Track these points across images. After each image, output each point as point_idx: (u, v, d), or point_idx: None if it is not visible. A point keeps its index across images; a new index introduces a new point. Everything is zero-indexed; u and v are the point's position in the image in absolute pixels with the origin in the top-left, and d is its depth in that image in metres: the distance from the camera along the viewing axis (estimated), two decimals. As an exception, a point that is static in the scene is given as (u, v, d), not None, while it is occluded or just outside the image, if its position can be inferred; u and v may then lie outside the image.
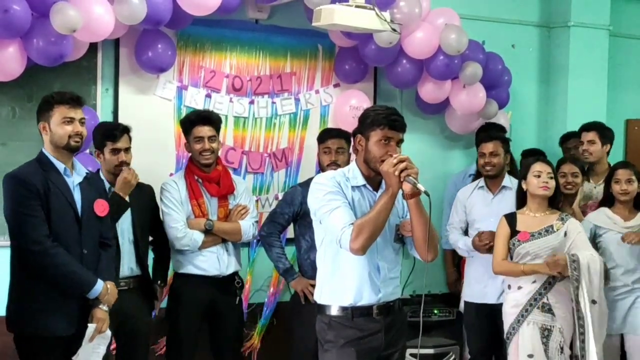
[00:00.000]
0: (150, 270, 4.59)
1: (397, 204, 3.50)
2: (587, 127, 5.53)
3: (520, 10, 6.40)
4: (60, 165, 3.79)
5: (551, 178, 4.63)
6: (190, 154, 4.71)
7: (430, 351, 5.46)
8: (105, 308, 3.81)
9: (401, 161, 3.28)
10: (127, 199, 4.35)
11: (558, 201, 4.73)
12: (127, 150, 4.44)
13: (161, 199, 4.61)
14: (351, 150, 4.75)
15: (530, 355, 4.53)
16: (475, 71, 5.55)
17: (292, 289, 4.91)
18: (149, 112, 5.15)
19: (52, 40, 4.37)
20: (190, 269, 4.61)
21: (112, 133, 4.38)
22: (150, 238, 4.66)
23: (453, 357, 5.57)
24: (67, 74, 4.84)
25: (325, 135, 4.90)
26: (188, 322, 4.62)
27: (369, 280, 3.49)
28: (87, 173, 3.92)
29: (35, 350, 3.74)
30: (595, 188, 5.42)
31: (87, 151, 4.77)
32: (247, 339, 5.37)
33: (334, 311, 3.53)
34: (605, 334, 4.58)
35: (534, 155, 5.41)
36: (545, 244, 4.58)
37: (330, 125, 5.53)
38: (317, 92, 5.66)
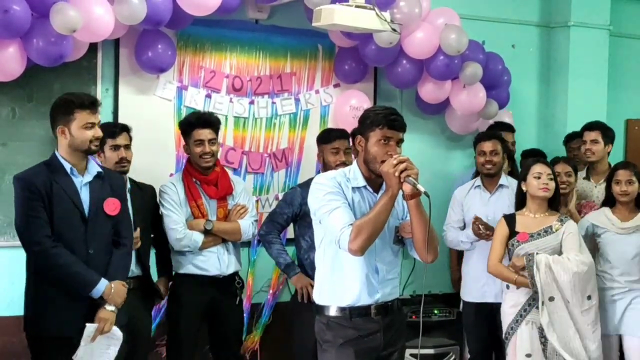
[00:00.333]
0: (152, 270, 4.59)
1: (397, 206, 3.50)
2: (590, 126, 5.52)
3: (521, 10, 6.40)
4: (67, 165, 3.80)
5: (551, 179, 4.63)
6: (188, 156, 4.70)
7: (431, 351, 5.46)
8: (110, 308, 3.80)
9: (401, 162, 3.28)
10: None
11: (558, 202, 4.74)
12: (127, 147, 4.44)
13: (160, 201, 4.61)
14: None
15: (529, 355, 4.54)
16: (476, 71, 5.55)
17: (292, 287, 4.91)
18: (149, 113, 5.15)
19: (52, 40, 4.37)
20: (190, 269, 4.61)
21: (111, 130, 4.39)
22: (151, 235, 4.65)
23: (453, 357, 5.56)
24: (67, 74, 4.84)
25: (332, 135, 4.89)
26: (188, 322, 4.62)
27: (366, 281, 3.49)
28: (100, 172, 3.91)
29: (47, 351, 3.77)
30: (595, 187, 5.42)
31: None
32: (246, 339, 5.36)
33: (333, 311, 3.53)
34: (594, 330, 4.57)
35: (534, 155, 5.42)
36: (544, 244, 4.59)
37: (330, 125, 5.53)
38: (317, 92, 5.66)
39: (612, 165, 5.26)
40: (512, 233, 4.65)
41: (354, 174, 3.52)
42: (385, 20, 4.48)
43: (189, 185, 4.61)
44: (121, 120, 4.92)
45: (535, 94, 6.49)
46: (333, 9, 4.39)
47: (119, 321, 3.87)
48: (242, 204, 4.72)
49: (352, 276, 3.49)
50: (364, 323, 3.51)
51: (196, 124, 4.60)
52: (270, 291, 5.52)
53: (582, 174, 5.59)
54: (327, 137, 4.90)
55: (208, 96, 5.32)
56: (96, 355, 3.81)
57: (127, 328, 4.27)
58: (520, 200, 4.74)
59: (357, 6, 4.41)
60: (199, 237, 4.55)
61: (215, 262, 4.62)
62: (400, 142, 3.45)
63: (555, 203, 4.72)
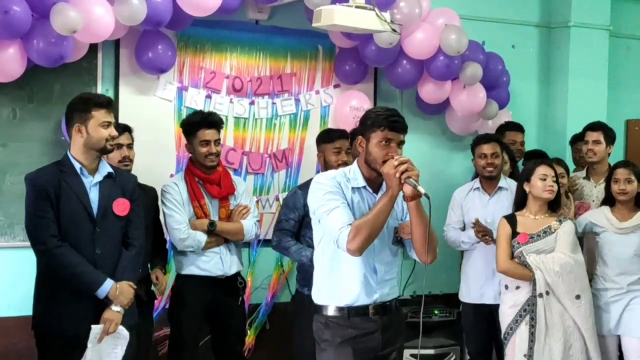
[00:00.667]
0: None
1: (397, 207, 3.50)
2: (592, 127, 5.50)
3: (521, 11, 6.40)
4: (77, 165, 3.81)
5: (555, 181, 4.64)
6: (190, 155, 4.70)
7: (431, 352, 5.46)
8: (117, 308, 3.80)
9: (402, 163, 3.28)
10: None
11: (558, 204, 4.75)
12: (130, 146, 4.45)
13: (162, 201, 4.60)
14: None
15: (528, 356, 4.54)
16: (476, 72, 5.55)
17: (292, 287, 4.91)
18: (150, 113, 5.15)
19: (52, 41, 4.37)
20: (193, 270, 4.61)
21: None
22: None
23: (453, 357, 5.56)
24: (67, 75, 4.84)
25: (333, 135, 4.88)
26: (191, 322, 4.62)
27: (365, 281, 3.49)
28: (111, 172, 3.92)
29: (54, 350, 3.79)
30: (595, 187, 5.41)
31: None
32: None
33: (331, 311, 3.54)
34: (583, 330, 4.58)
35: (536, 157, 5.41)
36: (545, 245, 4.60)
37: (330, 125, 5.53)
38: (317, 92, 5.66)
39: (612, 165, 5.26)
40: (513, 233, 4.65)
41: (354, 174, 3.52)
42: (385, 21, 4.48)
43: (192, 184, 4.61)
44: (121, 120, 4.90)
45: (535, 94, 6.49)
46: (333, 9, 4.39)
47: (126, 322, 3.86)
48: (244, 204, 4.73)
49: (351, 276, 3.49)
50: (362, 323, 3.51)
51: (202, 124, 4.58)
52: (270, 291, 5.52)
53: (582, 174, 5.59)
54: (328, 136, 4.89)
55: (208, 97, 5.32)
56: (104, 356, 3.81)
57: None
58: (522, 201, 4.73)
59: (357, 7, 4.41)
60: (202, 238, 4.55)
61: (218, 262, 4.63)
62: (401, 143, 3.44)
63: (555, 204, 4.73)
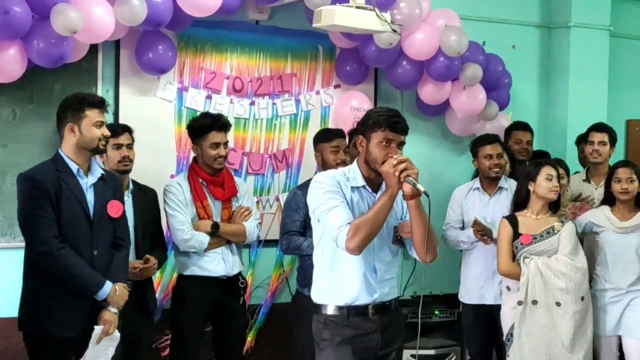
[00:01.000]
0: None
1: (396, 206, 3.51)
2: (598, 127, 5.49)
3: (521, 11, 6.40)
4: (74, 166, 3.79)
5: (558, 182, 4.65)
6: (194, 156, 4.68)
7: (431, 352, 5.45)
8: (114, 310, 3.81)
9: (401, 162, 3.29)
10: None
11: (559, 205, 4.75)
12: (130, 146, 4.45)
13: (165, 201, 4.59)
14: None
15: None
16: (476, 73, 5.55)
17: (293, 288, 4.90)
18: (150, 114, 5.15)
19: (52, 41, 4.37)
20: (195, 271, 4.61)
21: (113, 129, 4.39)
22: None
23: (454, 357, 5.56)
24: (67, 76, 4.84)
25: (331, 134, 4.89)
26: (193, 323, 4.62)
27: (365, 281, 3.50)
28: (102, 174, 3.91)
29: (45, 351, 3.76)
30: (596, 189, 5.39)
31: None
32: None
33: (330, 310, 3.54)
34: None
35: (540, 157, 5.41)
36: (548, 246, 4.60)
37: (331, 126, 5.53)
38: (317, 93, 5.66)
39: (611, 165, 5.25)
40: (515, 234, 4.64)
41: (353, 173, 3.52)
42: (386, 21, 4.48)
43: (195, 185, 4.60)
44: (122, 121, 4.92)
45: (536, 94, 6.49)
46: (333, 10, 4.39)
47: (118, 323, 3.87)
48: (246, 206, 4.73)
49: (351, 275, 3.49)
50: (362, 322, 3.52)
51: (213, 126, 4.57)
52: (269, 292, 5.52)
53: (581, 175, 5.58)
54: (326, 136, 4.90)
55: (208, 97, 5.32)
56: (98, 356, 3.81)
57: (127, 330, 4.28)
58: (524, 201, 4.73)
59: (357, 7, 4.41)
60: (205, 239, 4.55)
61: (221, 263, 4.62)
62: (401, 144, 3.45)
63: (556, 205, 4.72)
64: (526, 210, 4.71)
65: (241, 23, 5.36)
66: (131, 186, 4.48)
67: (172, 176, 5.09)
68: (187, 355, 4.63)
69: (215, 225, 4.58)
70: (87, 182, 3.82)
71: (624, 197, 4.84)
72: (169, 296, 4.91)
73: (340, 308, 3.52)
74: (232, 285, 4.69)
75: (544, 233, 4.62)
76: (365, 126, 3.48)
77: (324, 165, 4.82)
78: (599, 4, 6.42)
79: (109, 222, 3.88)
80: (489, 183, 5.15)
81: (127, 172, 4.43)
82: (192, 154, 4.71)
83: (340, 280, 3.51)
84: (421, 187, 3.28)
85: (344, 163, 4.61)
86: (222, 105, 5.34)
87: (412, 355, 5.09)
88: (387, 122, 3.40)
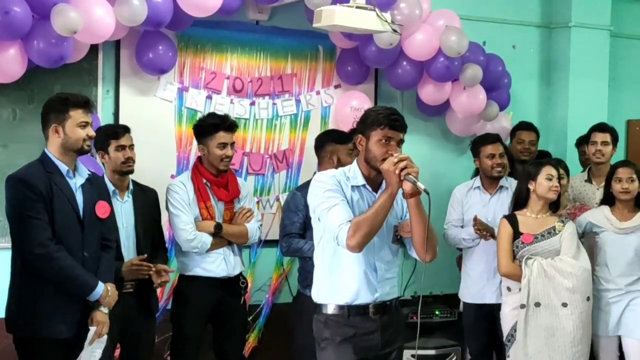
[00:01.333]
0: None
1: (396, 205, 3.52)
2: (600, 127, 5.47)
3: (521, 11, 6.39)
4: (63, 167, 3.77)
5: (558, 182, 4.65)
6: (199, 156, 4.67)
7: (432, 352, 5.45)
8: (105, 311, 3.80)
9: (402, 160, 3.30)
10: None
11: (558, 205, 4.74)
12: (132, 147, 4.44)
13: (169, 200, 4.59)
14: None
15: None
16: (476, 73, 5.55)
17: (293, 288, 4.90)
18: (150, 114, 5.16)
19: (52, 41, 4.37)
20: (197, 271, 4.61)
21: (115, 131, 4.40)
22: None
23: (455, 358, 5.56)
24: (67, 76, 4.85)
25: (345, 136, 4.82)
26: (195, 323, 4.62)
27: (365, 280, 3.50)
28: (89, 175, 3.90)
29: (35, 352, 3.73)
30: (598, 190, 5.36)
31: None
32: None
33: (331, 309, 3.54)
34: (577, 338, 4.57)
35: (541, 157, 5.40)
36: (550, 246, 4.60)
37: (331, 126, 5.54)
38: (317, 93, 5.66)
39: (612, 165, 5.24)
40: (516, 234, 4.64)
41: (353, 172, 3.53)
42: (386, 21, 4.48)
43: (199, 186, 4.60)
44: (122, 121, 4.92)
45: (536, 94, 6.49)
46: (334, 10, 4.40)
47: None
48: (248, 207, 4.73)
49: (351, 274, 3.50)
50: (362, 322, 3.52)
51: (220, 127, 4.56)
52: (270, 292, 5.52)
53: (583, 176, 5.57)
54: (343, 137, 4.83)
55: (209, 97, 5.32)
56: (89, 357, 3.80)
57: (129, 332, 4.28)
58: (524, 200, 4.72)
59: (357, 7, 4.41)
60: (208, 239, 4.55)
61: (223, 263, 4.63)
62: (400, 142, 3.46)
63: (556, 205, 4.72)
64: (526, 209, 4.71)
65: (241, 23, 5.36)
66: (132, 186, 4.48)
67: (172, 176, 5.09)
68: (188, 356, 4.63)
69: (219, 226, 4.58)
70: (76, 183, 3.81)
71: (624, 197, 4.84)
72: (171, 297, 4.91)
73: (340, 307, 3.53)
74: (233, 285, 4.69)
75: (545, 233, 4.62)
76: (364, 125, 3.49)
77: (338, 166, 4.78)
78: (599, 4, 6.42)
79: (97, 223, 3.86)
80: (490, 182, 5.15)
81: (130, 173, 4.42)
82: (193, 154, 4.71)
83: (341, 279, 3.51)
84: (421, 185, 3.29)
85: None
86: (223, 105, 5.34)
87: (413, 356, 5.09)
88: (386, 120, 3.42)
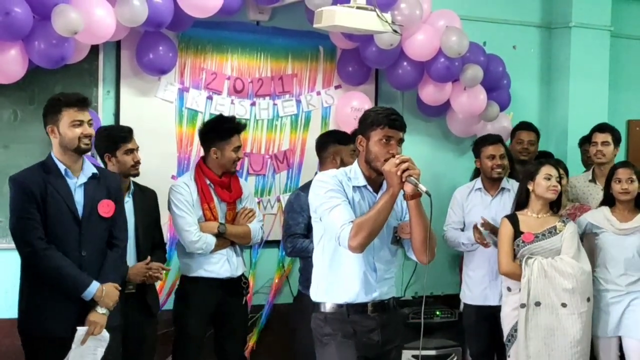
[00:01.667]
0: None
1: (397, 206, 3.52)
2: (601, 128, 5.48)
3: (521, 11, 6.39)
4: (61, 167, 3.79)
5: (558, 182, 4.65)
6: (202, 157, 4.68)
7: (432, 352, 5.45)
8: (102, 311, 3.80)
9: (403, 161, 3.30)
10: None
11: (559, 204, 4.75)
12: (137, 150, 4.45)
13: (172, 201, 4.59)
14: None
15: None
16: (476, 73, 5.55)
17: (294, 288, 4.89)
18: (151, 114, 5.16)
19: (53, 42, 4.37)
20: (200, 272, 4.61)
21: (124, 135, 4.40)
22: None
23: (455, 358, 5.55)
24: (68, 77, 4.85)
25: (348, 137, 4.81)
26: (198, 324, 4.63)
27: (365, 280, 3.51)
28: (95, 173, 3.90)
29: (40, 350, 3.77)
30: (602, 190, 5.34)
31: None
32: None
33: (330, 308, 3.56)
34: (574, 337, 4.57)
35: (542, 157, 5.40)
36: (550, 245, 4.60)
37: (331, 127, 5.54)
38: (318, 93, 5.66)
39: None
40: (517, 233, 4.64)
41: (354, 173, 3.54)
42: (386, 22, 4.49)
43: (202, 187, 4.61)
44: (122, 122, 4.93)
45: (536, 95, 6.49)
46: (334, 10, 4.40)
47: (111, 322, 3.86)
48: (250, 208, 4.73)
49: (351, 274, 3.51)
50: (362, 320, 3.54)
51: (235, 130, 4.60)
52: (271, 292, 5.52)
53: (587, 176, 5.57)
54: (345, 138, 4.81)
55: (209, 98, 5.32)
56: (85, 357, 3.80)
57: (131, 333, 4.27)
58: (524, 200, 4.72)
59: (358, 8, 4.42)
60: (212, 240, 4.56)
61: (226, 264, 4.64)
62: (400, 141, 3.47)
63: (556, 205, 4.72)
64: (527, 209, 4.72)
65: (242, 24, 5.36)
66: (132, 187, 4.48)
67: (173, 177, 5.09)
68: (190, 356, 4.64)
69: (222, 227, 4.58)
70: (77, 182, 3.81)
71: (624, 198, 4.84)
72: (172, 297, 4.91)
73: (340, 306, 3.54)
74: (235, 285, 4.70)
75: (546, 232, 4.62)
76: (364, 125, 3.50)
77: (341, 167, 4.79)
78: (599, 4, 6.42)
79: (100, 222, 3.86)
80: (491, 184, 5.14)
81: (137, 175, 4.43)
82: (193, 155, 4.71)
83: (341, 279, 3.52)
84: (423, 187, 3.29)
85: None
86: (223, 106, 5.34)
87: (414, 356, 5.09)
88: (385, 119, 3.43)
